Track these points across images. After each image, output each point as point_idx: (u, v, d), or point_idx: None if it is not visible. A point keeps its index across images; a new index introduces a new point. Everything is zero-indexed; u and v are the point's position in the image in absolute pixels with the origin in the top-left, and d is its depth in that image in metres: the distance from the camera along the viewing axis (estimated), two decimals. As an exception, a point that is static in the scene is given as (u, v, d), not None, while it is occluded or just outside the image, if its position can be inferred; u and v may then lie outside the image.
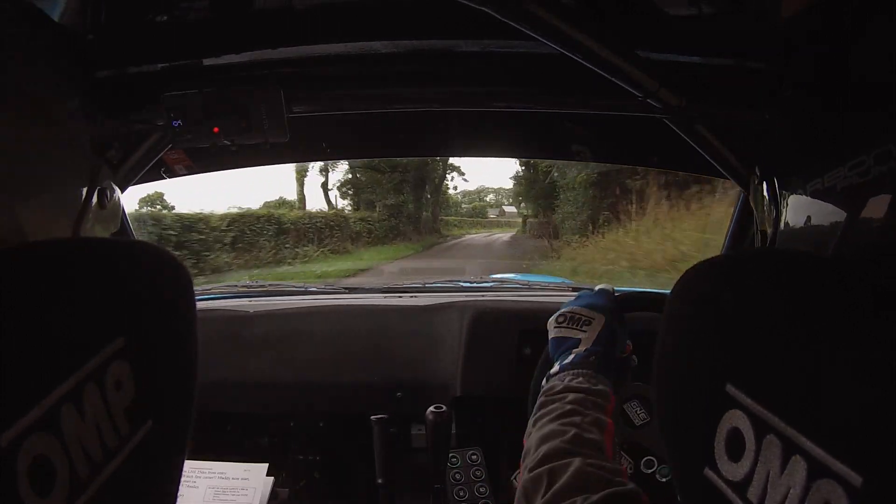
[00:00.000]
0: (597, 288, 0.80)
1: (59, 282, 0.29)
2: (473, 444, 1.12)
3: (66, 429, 0.27)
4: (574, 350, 0.69)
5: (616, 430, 0.62)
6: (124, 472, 0.31)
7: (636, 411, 0.92)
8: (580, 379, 0.64)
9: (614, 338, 0.72)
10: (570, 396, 0.61)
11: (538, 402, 0.63)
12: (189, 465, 0.97)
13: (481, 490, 1.05)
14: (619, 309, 0.76)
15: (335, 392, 1.15)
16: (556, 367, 0.68)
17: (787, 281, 0.32)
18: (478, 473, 1.07)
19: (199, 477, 0.97)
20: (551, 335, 0.74)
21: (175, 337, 0.38)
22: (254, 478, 0.98)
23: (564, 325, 0.73)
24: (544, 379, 0.69)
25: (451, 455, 1.06)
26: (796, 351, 0.29)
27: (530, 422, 0.62)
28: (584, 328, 0.71)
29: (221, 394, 1.10)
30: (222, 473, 0.98)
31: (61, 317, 0.28)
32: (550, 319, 0.76)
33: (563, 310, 0.75)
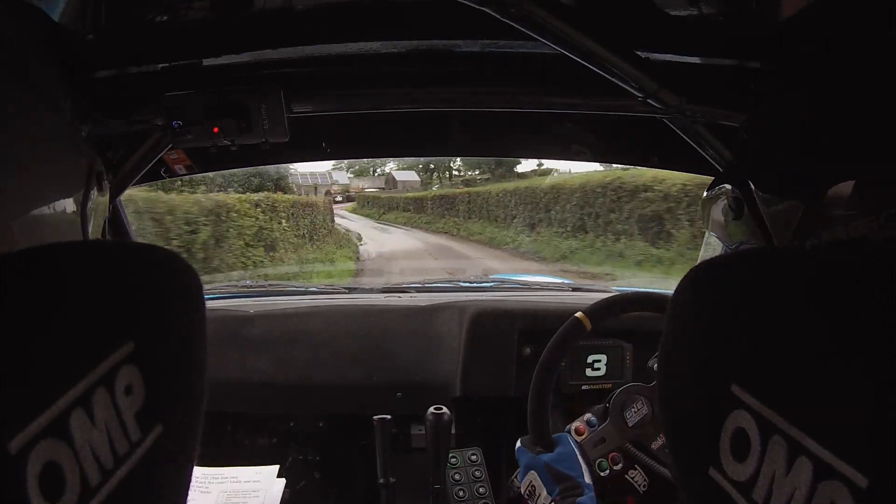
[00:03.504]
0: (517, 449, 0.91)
1: (67, 285, 0.29)
2: (473, 444, 1.12)
3: (76, 434, 0.27)
4: None
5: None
6: (134, 477, 0.31)
7: (637, 409, 0.92)
8: None
9: (554, 473, 0.82)
10: None
11: None
12: (201, 472, 0.97)
13: (481, 490, 1.05)
14: (544, 449, 0.87)
15: (335, 392, 1.15)
16: None
17: (791, 280, 0.32)
18: (478, 473, 1.07)
19: (212, 483, 0.97)
20: None
21: (184, 341, 0.38)
22: (265, 480, 0.97)
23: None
24: None
25: (451, 455, 1.06)
26: (801, 351, 0.29)
27: None
28: (530, 498, 0.83)
29: (221, 394, 1.10)
30: (234, 478, 0.97)
31: (69, 321, 0.28)
32: None
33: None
